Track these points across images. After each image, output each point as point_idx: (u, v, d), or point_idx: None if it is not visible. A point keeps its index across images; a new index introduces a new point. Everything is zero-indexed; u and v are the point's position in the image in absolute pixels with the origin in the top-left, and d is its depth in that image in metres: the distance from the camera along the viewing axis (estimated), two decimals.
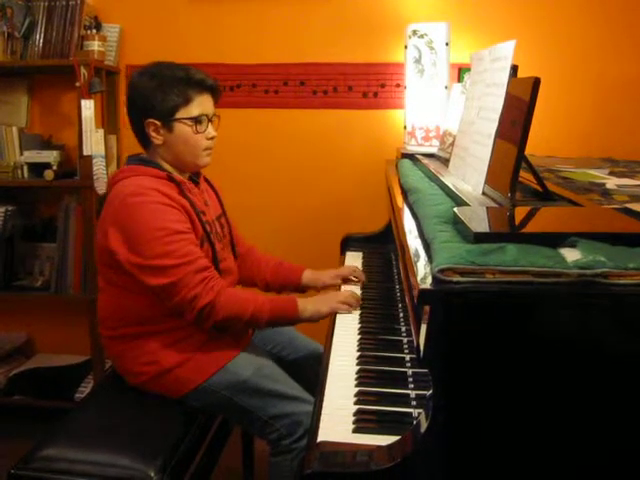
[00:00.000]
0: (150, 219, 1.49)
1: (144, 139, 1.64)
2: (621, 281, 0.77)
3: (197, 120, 1.60)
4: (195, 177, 1.74)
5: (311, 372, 1.69)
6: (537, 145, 2.01)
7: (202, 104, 1.61)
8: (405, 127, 2.26)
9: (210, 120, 1.64)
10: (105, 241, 1.54)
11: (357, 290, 1.80)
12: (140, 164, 1.63)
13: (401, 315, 1.62)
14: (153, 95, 1.57)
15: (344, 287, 1.84)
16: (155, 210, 1.50)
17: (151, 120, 1.59)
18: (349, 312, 1.63)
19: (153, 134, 1.60)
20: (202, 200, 1.71)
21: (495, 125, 1.19)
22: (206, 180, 1.83)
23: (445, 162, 1.70)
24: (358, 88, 2.54)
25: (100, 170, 2.43)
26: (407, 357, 1.36)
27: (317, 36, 2.53)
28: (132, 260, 1.50)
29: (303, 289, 1.90)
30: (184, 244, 1.51)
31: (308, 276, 1.89)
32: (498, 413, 0.84)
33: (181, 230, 1.52)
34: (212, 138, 1.65)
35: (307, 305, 1.62)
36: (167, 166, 1.65)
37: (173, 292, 1.49)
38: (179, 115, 1.59)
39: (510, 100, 1.16)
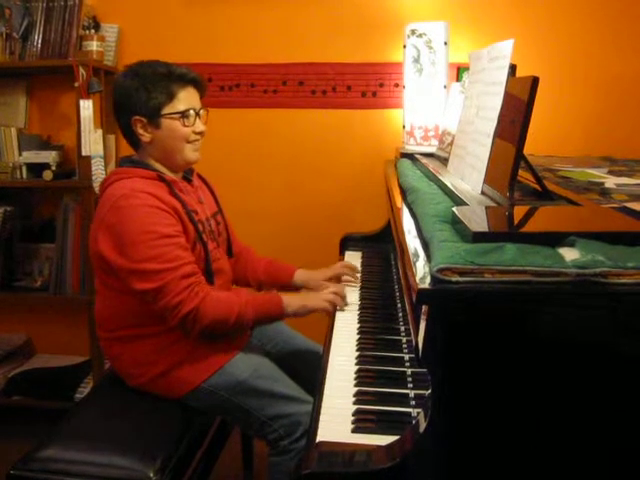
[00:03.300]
0: (138, 222, 1.49)
1: (133, 138, 1.64)
2: (620, 280, 0.77)
3: (184, 114, 1.60)
4: (188, 174, 1.74)
5: (310, 372, 1.69)
6: (536, 144, 2.01)
7: (187, 98, 1.61)
8: (404, 127, 2.26)
9: (198, 114, 1.64)
10: (96, 245, 1.54)
11: (354, 290, 1.80)
12: (130, 166, 1.62)
13: (400, 315, 1.62)
14: (137, 94, 1.57)
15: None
16: (144, 213, 1.50)
17: (138, 117, 1.58)
18: (338, 308, 1.64)
19: (141, 131, 1.60)
20: (195, 198, 1.71)
21: (494, 124, 1.18)
22: (200, 177, 1.83)
23: (444, 161, 1.70)
24: (357, 88, 2.54)
25: (99, 170, 2.42)
26: (406, 357, 1.36)
27: (316, 36, 2.53)
28: (119, 263, 1.49)
29: (296, 288, 1.90)
30: (172, 248, 1.50)
31: (300, 276, 1.89)
32: (497, 412, 0.84)
33: (170, 234, 1.51)
34: (200, 132, 1.64)
35: (291, 300, 1.62)
36: (158, 166, 1.64)
37: (158, 297, 1.49)
38: (165, 111, 1.58)
39: (509, 99, 1.16)
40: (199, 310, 1.49)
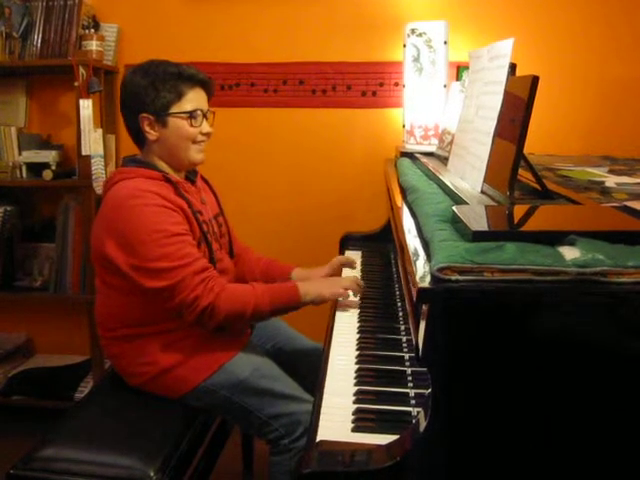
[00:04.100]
0: (146, 222, 1.49)
1: (139, 136, 1.64)
2: (620, 279, 0.77)
3: (191, 115, 1.60)
4: (191, 176, 1.75)
5: (310, 371, 1.69)
6: (537, 143, 2.01)
7: (195, 99, 1.62)
8: (404, 126, 2.26)
9: (205, 116, 1.64)
10: (101, 246, 1.54)
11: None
12: (135, 166, 1.62)
13: (400, 314, 1.62)
14: (146, 92, 1.58)
15: (345, 273, 1.85)
16: (151, 212, 1.50)
17: (145, 115, 1.59)
18: (354, 295, 1.66)
19: (147, 129, 1.60)
20: (199, 199, 1.71)
21: (494, 123, 1.18)
22: (203, 179, 1.83)
23: (444, 161, 1.70)
24: (357, 87, 2.54)
25: (99, 170, 2.42)
26: (406, 356, 1.36)
27: (316, 35, 2.53)
28: (130, 263, 1.49)
29: None
30: (182, 246, 1.50)
31: (298, 275, 1.89)
32: (497, 412, 0.84)
33: (178, 232, 1.51)
34: (207, 134, 1.65)
35: (308, 289, 1.61)
36: (163, 165, 1.65)
37: (173, 294, 1.49)
38: (173, 110, 1.59)
39: (509, 98, 1.16)
40: (215, 305, 1.50)
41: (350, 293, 1.69)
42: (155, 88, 1.57)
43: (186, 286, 1.48)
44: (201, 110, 1.62)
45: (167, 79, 1.58)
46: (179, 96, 1.59)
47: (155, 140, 1.62)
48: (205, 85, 1.65)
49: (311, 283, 1.66)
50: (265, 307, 1.56)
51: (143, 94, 1.58)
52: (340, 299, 1.65)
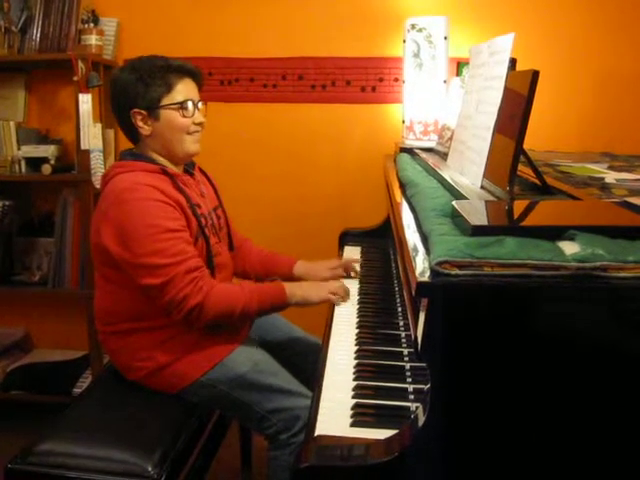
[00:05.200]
0: (142, 216, 1.48)
1: (132, 132, 1.64)
2: (620, 274, 0.77)
3: (182, 105, 1.60)
4: (189, 168, 1.74)
5: (309, 366, 1.69)
6: (537, 139, 2.00)
7: (185, 89, 1.61)
8: (403, 121, 2.25)
9: (196, 106, 1.64)
10: (98, 238, 1.54)
11: (353, 284, 1.79)
12: (132, 159, 1.62)
13: (399, 309, 1.62)
14: (135, 87, 1.57)
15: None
16: (148, 207, 1.50)
17: (137, 110, 1.58)
18: (341, 302, 1.64)
19: (140, 124, 1.60)
20: (198, 192, 1.71)
21: (494, 118, 1.18)
22: (201, 171, 1.83)
23: (444, 156, 1.70)
24: (356, 82, 2.53)
25: (98, 164, 2.42)
26: (405, 351, 1.36)
27: (315, 30, 2.52)
28: (124, 257, 1.49)
29: (296, 280, 1.90)
30: (176, 243, 1.50)
31: (300, 268, 1.89)
32: (496, 406, 0.84)
33: (173, 228, 1.51)
34: (200, 124, 1.64)
35: (295, 290, 1.62)
36: (159, 159, 1.64)
37: (163, 292, 1.49)
38: (164, 102, 1.59)
39: (508, 94, 1.16)
40: (203, 305, 1.50)
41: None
42: (144, 82, 1.57)
43: (176, 285, 1.48)
44: (192, 100, 1.62)
45: (155, 72, 1.58)
46: (169, 88, 1.59)
47: (149, 135, 1.61)
48: (194, 75, 1.65)
49: (299, 285, 1.66)
50: (253, 307, 1.57)
51: (133, 89, 1.57)
52: (336, 303, 1.65)
